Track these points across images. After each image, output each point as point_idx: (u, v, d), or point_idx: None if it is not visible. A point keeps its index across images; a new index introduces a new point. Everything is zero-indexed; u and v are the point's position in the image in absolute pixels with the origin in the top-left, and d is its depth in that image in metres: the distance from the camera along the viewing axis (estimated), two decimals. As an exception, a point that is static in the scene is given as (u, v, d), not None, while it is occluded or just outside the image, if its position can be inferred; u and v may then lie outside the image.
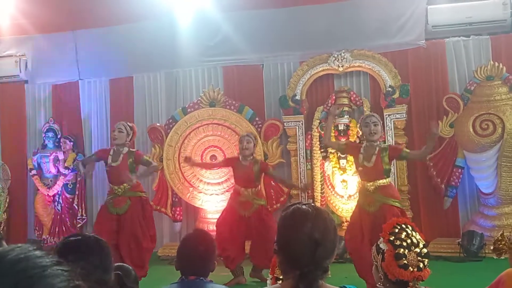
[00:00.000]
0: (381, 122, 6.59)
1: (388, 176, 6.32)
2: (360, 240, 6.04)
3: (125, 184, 7.07)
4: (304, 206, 2.03)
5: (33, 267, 0.85)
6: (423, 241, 2.79)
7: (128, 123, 7.49)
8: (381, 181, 6.16)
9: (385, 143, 7.63)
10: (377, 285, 2.91)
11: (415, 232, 2.79)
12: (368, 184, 6.19)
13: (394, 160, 8.29)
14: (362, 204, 6.25)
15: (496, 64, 8.40)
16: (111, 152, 7.25)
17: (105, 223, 7.09)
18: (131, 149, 7.33)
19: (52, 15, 10.08)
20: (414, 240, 2.73)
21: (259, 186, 7.52)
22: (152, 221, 7.39)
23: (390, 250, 2.72)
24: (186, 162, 8.06)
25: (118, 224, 7.05)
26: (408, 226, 2.81)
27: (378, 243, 2.82)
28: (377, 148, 6.28)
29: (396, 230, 2.76)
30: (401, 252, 2.69)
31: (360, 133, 8.34)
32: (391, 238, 2.74)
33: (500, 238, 3.43)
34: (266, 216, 7.29)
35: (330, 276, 2.03)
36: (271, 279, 2.68)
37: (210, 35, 9.79)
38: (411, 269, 2.68)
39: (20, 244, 0.91)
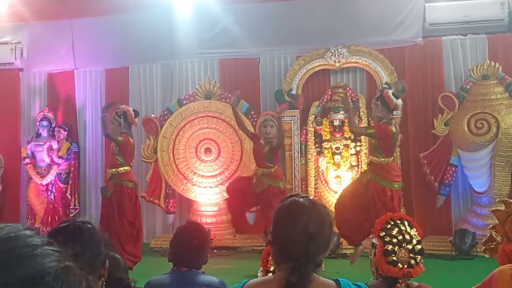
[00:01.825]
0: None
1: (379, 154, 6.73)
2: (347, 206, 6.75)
3: (112, 169, 7.34)
4: (301, 199, 2.02)
5: (23, 245, 0.84)
6: (419, 237, 2.77)
7: (118, 111, 7.47)
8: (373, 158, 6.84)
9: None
10: (371, 279, 2.92)
11: (411, 228, 2.77)
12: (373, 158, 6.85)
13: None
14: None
15: (493, 63, 8.40)
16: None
17: (103, 207, 7.49)
18: (124, 136, 7.39)
19: (49, 3, 10.04)
20: (407, 237, 2.72)
21: (275, 168, 7.36)
22: (138, 211, 7.47)
23: (380, 245, 2.72)
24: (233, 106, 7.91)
25: (110, 209, 7.24)
26: (404, 221, 2.79)
27: (372, 238, 2.82)
28: None
29: (388, 226, 2.75)
30: (389, 248, 2.68)
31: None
32: (382, 234, 2.73)
33: (490, 239, 3.43)
34: (273, 195, 7.15)
35: (324, 269, 2.03)
36: (261, 271, 2.67)
37: (208, 27, 9.76)
38: (400, 266, 2.67)
39: (11, 223, 0.90)
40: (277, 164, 7.49)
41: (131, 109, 7.64)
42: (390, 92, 6.95)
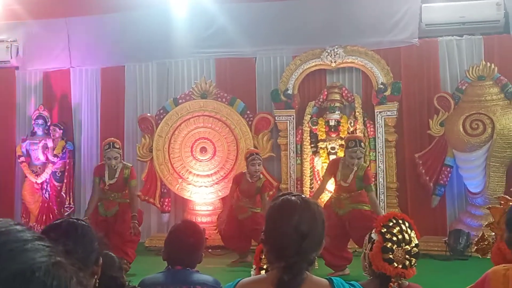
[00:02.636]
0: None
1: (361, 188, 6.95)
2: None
3: (118, 193, 7.47)
4: (293, 198, 2.01)
5: (14, 240, 0.84)
6: (417, 240, 2.78)
7: (116, 144, 7.55)
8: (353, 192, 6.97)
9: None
10: (364, 274, 2.92)
11: (411, 230, 2.77)
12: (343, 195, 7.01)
13: (384, 157, 8.46)
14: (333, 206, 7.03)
15: (488, 64, 8.42)
16: (106, 169, 7.49)
17: (95, 224, 7.32)
18: (124, 162, 7.64)
19: (45, 1, 10.02)
20: (406, 237, 2.72)
21: (257, 196, 7.89)
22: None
23: (379, 241, 2.72)
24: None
25: (107, 226, 7.27)
26: (406, 222, 2.79)
27: (371, 232, 2.82)
28: (354, 169, 6.92)
29: (390, 224, 2.75)
30: (388, 246, 2.69)
31: (351, 129, 8.50)
32: (383, 230, 2.73)
33: (482, 238, 3.43)
34: (256, 223, 7.44)
35: (317, 268, 2.03)
36: (254, 269, 2.67)
37: (204, 26, 9.75)
38: (396, 265, 2.67)
39: (1, 218, 0.89)
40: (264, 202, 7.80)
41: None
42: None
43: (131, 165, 7.70)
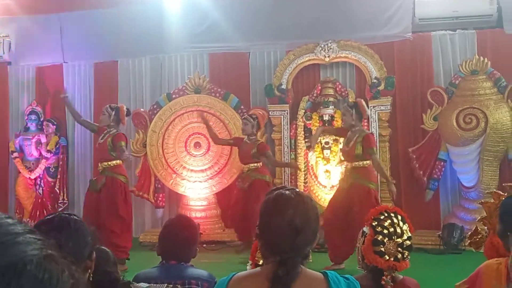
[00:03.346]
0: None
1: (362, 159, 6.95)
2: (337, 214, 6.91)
3: (104, 163, 7.40)
4: (287, 192, 2.01)
5: (5, 233, 0.83)
6: (409, 233, 2.79)
7: (112, 104, 7.77)
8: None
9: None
10: (357, 267, 2.93)
11: (404, 223, 2.78)
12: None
13: (377, 151, 8.50)
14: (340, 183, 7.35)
15: (481, 58, 8.43)
16: (104, 131, 7.52)
17: (87, 201, 7.51)
18: (116, 130, 7.49)
19: (38, -4, 9.96)
20: (398, 230, 2.73)
21: (260, 164, 7.93)
22: (129, 205, 7.60)
23: (371, 235, 2.73)
24: (201, 117, 8.55)
25: (98, 204, 7.28)
26: (398, 215, 2.80)
27: (364, 226, 2.83)
28: (356, 135, 7.00)
29: (382, 217, 2.76)
30: (379, 239, 2.70)
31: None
32: (374, 224, 2.74)
33: (475, 232, 3.45)
34: (260, 188, 7.50)
35: (311, 261, 2.03)
36: (250, 265, 2.68)
37: (198, 21, 9.72)
38: (387, 258, 2.68)
39: None
40: (262, 161, 7.94)
41: (125, 107, 7.70)
42: (363, 101, 7.38)
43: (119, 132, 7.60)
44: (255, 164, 7.92)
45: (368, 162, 6.95)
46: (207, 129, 8.51)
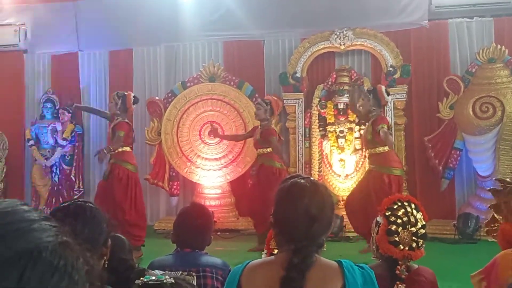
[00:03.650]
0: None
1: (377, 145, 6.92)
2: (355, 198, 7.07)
3: (111, 147, 7.44)
4: (302, 180, 2.00)
5: (21, 220, 0.84)
6: (424, 221, 2.76)
7: (120, 92, 7.78)
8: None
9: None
10: (372, 257, 2.92)
11: (418, 212, 2.76)
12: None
13: (393, 140, 8.46)
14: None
15: (499, 46, 8.34)
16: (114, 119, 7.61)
17: (98, 190, 7.63)
18: (122, 119, 7.53)
19: (53, -15, 9.98)
20: (412, 219, 2.71)
21: (270, 149, 7.66)
22: (140, 195, 7.63)
23: (384, 225, 2.72)
24: (212, 134, 8.66)
25: (107, 191, 7.34)
26: (412, 204, 2.78)
27: (377, 216, 2.82)
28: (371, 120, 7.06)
29: (395, 207, 2.74)
30: (393, 228, 2.68)
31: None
32: (387, 213, 2.73)
33: (492, 220, 3.42)
34: (266, 174, 7.53)
35: (325, 250, 2.02)
36: (265, 254, 2.68)
37: (212, 9, 9.69)
38: (402, 247, 2.66)
39: (7, 199, 0.89)
40: (272, 146, 7.65)
41: (132, 94, 7.72)
42: (383, 88, 7.26)
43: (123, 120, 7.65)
44: (265, 150, 7.69)
45: (385, 148, 6.87)
46: (223, 138, 8.79)
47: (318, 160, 8.96)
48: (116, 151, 7.38)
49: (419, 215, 2.75)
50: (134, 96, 7.75)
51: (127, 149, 7.49)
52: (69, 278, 0.82)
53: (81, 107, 9.18)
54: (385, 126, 6.79)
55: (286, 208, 1.97)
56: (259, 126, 7.85)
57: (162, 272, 2.55)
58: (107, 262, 2.06)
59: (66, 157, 10.05)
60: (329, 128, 8.91)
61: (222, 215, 8.85)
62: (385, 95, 7.16)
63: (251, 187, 8.10)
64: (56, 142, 10.01)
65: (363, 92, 7.32)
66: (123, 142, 7.40)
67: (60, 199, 9.83)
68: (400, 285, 2.66)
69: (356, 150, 8.83)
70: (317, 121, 8.96)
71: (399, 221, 2.70)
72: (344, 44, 8.89)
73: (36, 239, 0.82)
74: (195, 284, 2.28)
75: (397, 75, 8.59)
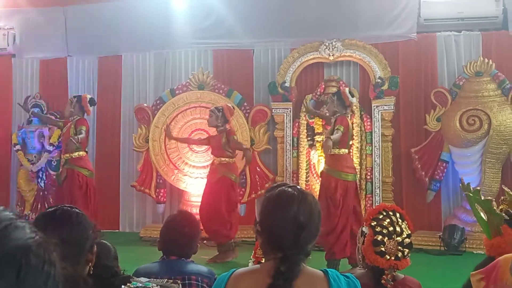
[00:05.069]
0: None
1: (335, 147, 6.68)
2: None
3: (67, 154, 7.41)
4: (289, 189, 2.01)
5: (3, 219, 0.87)
6: (409, 230, 2.77)
7: (76, 95, 7.96)
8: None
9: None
10: (357, 268, 2.92)
11: (403, 221, 2.76)
12: None
13: (380, 151, 8.47)
14: None
15: (486, 60, 8.41)
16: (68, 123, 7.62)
17: (56, 196, 7.44)
18: (78, 116, 7.55)
19: (43, -11, 9.96)
20: (397, 229, 2.71)
21: (231, 160, 7.65)
22: (95, 201, 7.62)
23: (370, 235, 2.72)
24: (166, 134, 8.46)
25: (63, 197, 7.38)
26: (397, 213, 2.78)
27: (362, 226, 2.82)
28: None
29: (380, 216, 2.74)
30: (379, 239, 2.68)
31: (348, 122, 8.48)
32: (373, 224, 2.73)
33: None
34: (224, 187, 7.43)
35: (310, 258, 2.03)
36: (252, 262, 2.67)
37: (202, 17, 9.72)
38: (388, 257, 2.67)
39: None
40: (234, 155, 7.69)
41: (88, 96, 7.75)
42: (347, 90, 7.18)
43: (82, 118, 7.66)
44: (227, 159, 7.60)
45: (341, 150, 6.73)
46: (176, 140, 8.71)
47: (306, 169, 8.98)
48: (72, 156, 7.32)
49: (404, 224, 2.75)
50: (90, 98, 7.75)
51: (83, 154, 7.43)
52: (54, 269, 0.88)
53: (36, 115, 9.40)
54: (341, 128, 6.66)
55: (274, 217, 1.97)
56: (215, 133, 7.79)
57: (147, 280, 2.53)
58: (92, 268, 2.05)
59: (52, 162, 9.99)
60: (317, 138, 8.92)
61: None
62: (349, 96, 6.94)
63: (209, 196, 7.58)
64: (43, 147, 9.94)
65: (329, 97, 7.28)
66: (80, 144, 7.35)
67: (46, 205, 9.76)
68: (385, 295, 2.66)
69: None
70: (305, 130, 8.98)
71: (384, 231, 2.70)
72: (333, 55, 8.93)
73: (23, 235, 0.86)
74: (180, 291, 2.27)
75: (385, 87, 8.64)
